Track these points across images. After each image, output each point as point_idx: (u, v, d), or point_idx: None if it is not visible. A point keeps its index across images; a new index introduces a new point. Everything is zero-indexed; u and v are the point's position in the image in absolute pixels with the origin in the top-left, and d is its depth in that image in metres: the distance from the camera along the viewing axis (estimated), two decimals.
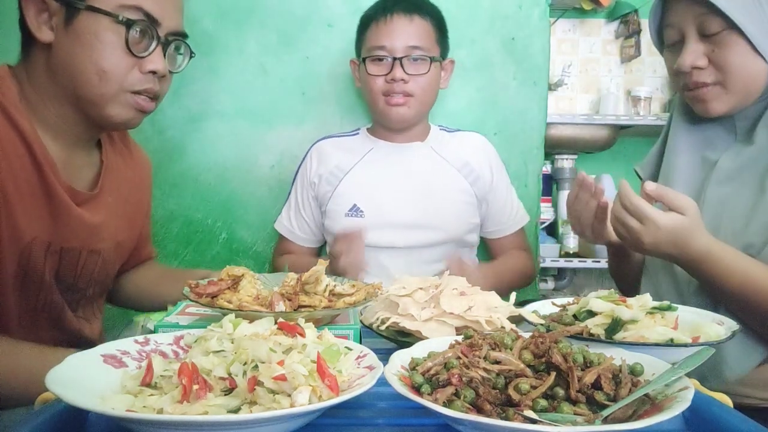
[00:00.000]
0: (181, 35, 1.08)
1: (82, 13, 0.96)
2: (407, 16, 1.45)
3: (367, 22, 1.50)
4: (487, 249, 1.66)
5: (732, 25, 1.01)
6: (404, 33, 1.44)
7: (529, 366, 0.59)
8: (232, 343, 0.61)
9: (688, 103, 1.14)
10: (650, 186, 0.96)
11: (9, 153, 0.92)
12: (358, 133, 1.62)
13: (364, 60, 1.48)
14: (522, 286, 1.56)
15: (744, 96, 1.06)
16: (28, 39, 1.00)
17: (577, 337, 0.71)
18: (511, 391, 0.56)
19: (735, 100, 1.06)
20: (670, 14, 1.09)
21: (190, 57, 1.13)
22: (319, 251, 1.66)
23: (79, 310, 1.12)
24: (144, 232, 1.31)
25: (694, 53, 1.05)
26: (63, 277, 1.06)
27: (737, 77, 1.04)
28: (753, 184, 1.06)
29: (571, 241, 2.56)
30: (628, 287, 1.25)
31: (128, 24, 0.98)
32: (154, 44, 1.01)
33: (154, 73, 1.02)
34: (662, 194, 0.96)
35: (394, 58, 1.44)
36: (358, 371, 0.61)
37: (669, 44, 1.12)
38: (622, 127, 2.56)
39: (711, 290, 1.03)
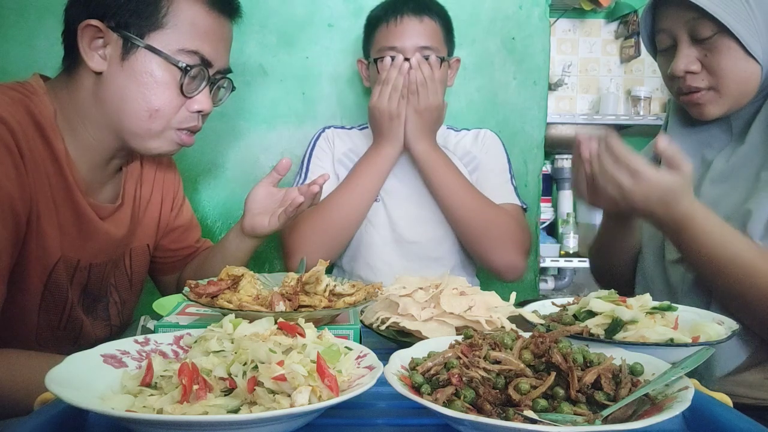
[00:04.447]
0: (227, 71, 1.10)
1: (139, 50, 0.97)
2: (417, 17, 1.46)
3: (375, 23, 1.50)
4: None
5: (723, 29, 1.01)
6: (415, 34, 1.45)
7: (529, 366, 0.59)
8: (232, 343, 0.61)
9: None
10: (663, 143, 0.95)
11: (41, 172, 0.93)
12: (367, 127, 1.63)
13: (375, 60, 1.49)
14: (505, 245, 1.43)
15: (738, 98, 1.06)
16: (74, 59, 1.00)
17: (577, 337, 0.71)
18: (511, 391, 0.56)
19: (729, 103, 1.06)
20: (662, 20, 1.09)
21: (232, 90, 1.14)
22: None
23: (99, 318, 1.12)
24: (183, 225, 1.31)
25: (686, 58, 1.05)
26: (90, 291, 1.07)
27: (730, 81, 1.04)
28: (746, 183, 1.06)
29: (571, 241, 2.56)
30: (615, 280, 1.24)
31: (185, 69, 0.99)
32: (203, 84, 1.03)
33: (199, 111, 1.04)
34: (671, 154, 0.94)
35: (406, 59, 1.45)
36: (358, 371, 0.61)
37: (662, 49, 1.12)
38: (622, 127, 2.56)
39: (691, 261, 1.02)
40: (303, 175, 1.55)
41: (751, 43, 1.01)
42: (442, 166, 1.44)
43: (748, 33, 1.01)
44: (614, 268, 1.25)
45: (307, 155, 1.58)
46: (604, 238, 1.25)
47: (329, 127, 1.63)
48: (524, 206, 1.53)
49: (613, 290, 0.84)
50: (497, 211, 1.44)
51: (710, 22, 1.01)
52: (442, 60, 1.48)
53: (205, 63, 1.02)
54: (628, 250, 1.22)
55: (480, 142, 1.59)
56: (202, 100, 1.04)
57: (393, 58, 1.39)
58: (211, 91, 1.07)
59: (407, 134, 1.41)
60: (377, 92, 1.40)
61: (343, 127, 1.65)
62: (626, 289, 1.28)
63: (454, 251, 1.52)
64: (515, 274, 1.46)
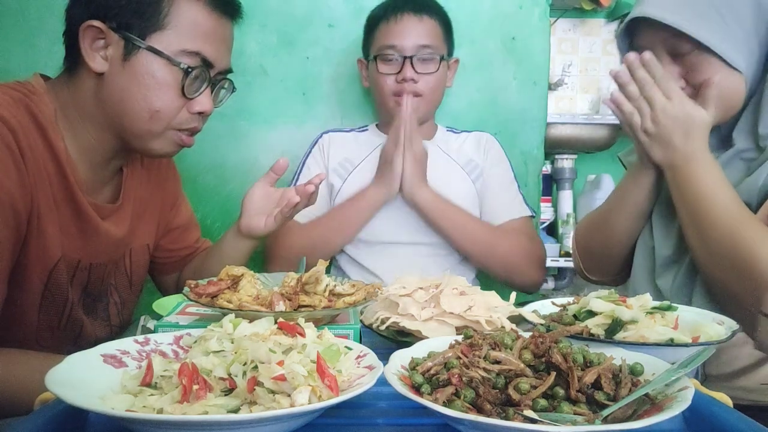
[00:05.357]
0: (228, 72, 1.10)
1: (141, 51, 0.97)
2: (417, 16, 1.46)
3: (375, 23, 1.51)
4: None
5: (701, 45, 1.00)
6: (414, 32, 1.46)
7: (529, 366, 0.59)
8: (232, 343, 0.61)
9: None
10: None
11: (42, 172, 0.93)
12: (367, 129, 1.64)
13: (374, 59, 1.48)
14: (522, 266, 1.48)
15: (726, 109, 1.05)
16: (75, 60, 1.00)
17: (577, 337, 0.71)
18: (511, 391, 0.56)
19: (719, 116, 1.04)
20: (639, 38, 1.08)
21: (232, 91, 1.14)
22: None
23: (99, 318, 1.12)
24: (182, 225, 1.31)
25: (669, 74, 1.04)
26: (90, 291, 1.07)
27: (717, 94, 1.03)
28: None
29: (571, 241, 2.56)
30: (601, 262, 1.24)
31: (187, 70, 0.99)
32: (204, 86, 1.03)
33: (200, 112, 1.04)
34: (710, 92, 1.00)
35: (405, 57, 1.45)
36: (358, 371, 0.61)
37: None
38: (622, 127, 2.56)
39: (683, 207, 1.02)
40: (294, 182, 1.56)
41: (732, 55, 1.00)
42: (448, 211, 1.46)
43: (727, 46, 0.99)
44: (607, 246, 1.21)
45: (303, 161, 1.60)
46: (610, 204, 1.21)
47: (327, 132, 1.63)
48: (533, 215, 1.56)
49: (613, 290, 0.84)
50: (508, 236, 1.48)
51: (687, 39, 1.00)
52: (441, 59, 1.48)
53: (207, 64, 1.02)
54: (630, 229, 1.17)
55: (483, 150, 1.59)
56: (203, 101, 1.04)
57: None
58: (212, 92, 1.07)
59: (407, 182, 1.42)
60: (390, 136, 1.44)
61: (341, 130, 1.65)
62: (608, 278, 1.28)
63: (453, 253, 1.52)
64: (536, 288, 1.53)
